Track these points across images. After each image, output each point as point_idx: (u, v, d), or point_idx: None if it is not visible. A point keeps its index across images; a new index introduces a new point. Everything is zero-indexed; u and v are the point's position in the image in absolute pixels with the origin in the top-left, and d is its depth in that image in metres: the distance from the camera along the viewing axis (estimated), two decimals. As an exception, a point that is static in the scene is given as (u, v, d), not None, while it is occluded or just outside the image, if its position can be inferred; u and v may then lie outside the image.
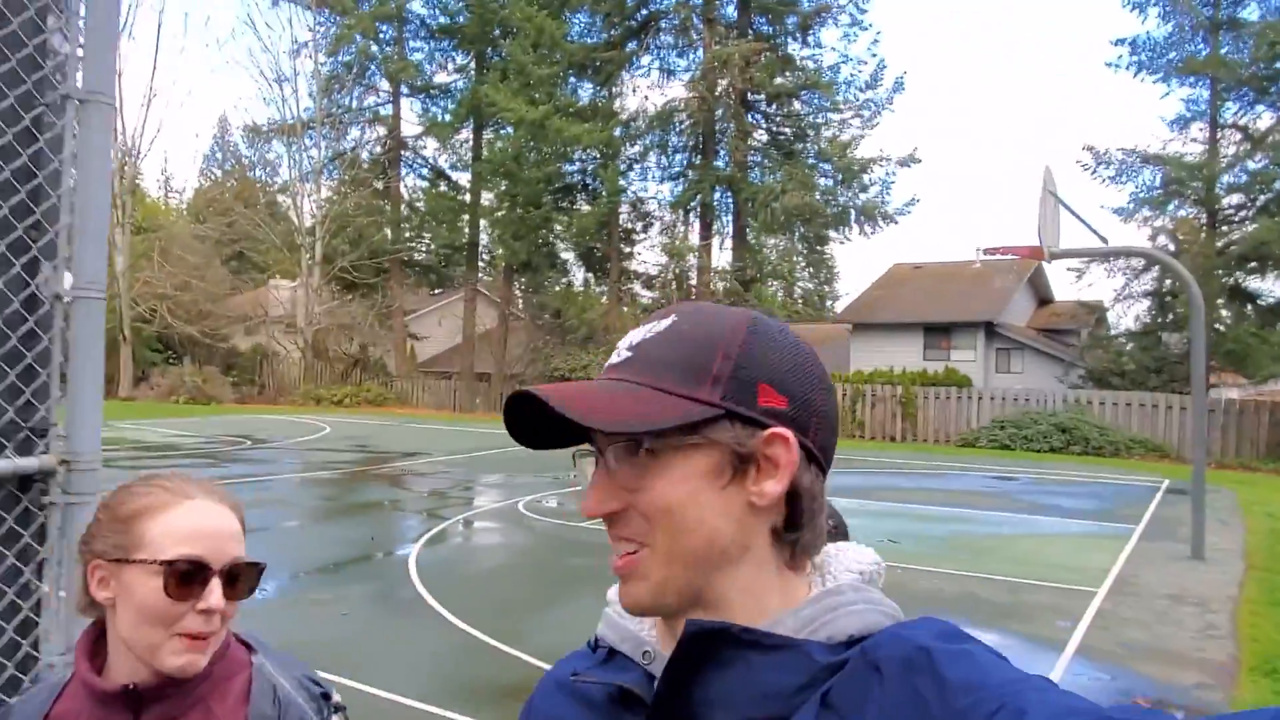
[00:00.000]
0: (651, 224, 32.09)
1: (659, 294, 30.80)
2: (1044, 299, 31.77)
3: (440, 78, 34.83)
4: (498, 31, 31.56)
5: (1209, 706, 5.02)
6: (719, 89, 27.42)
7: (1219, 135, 24.18)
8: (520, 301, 35.28)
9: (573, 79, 30.42)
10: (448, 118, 33.39)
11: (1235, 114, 24.09)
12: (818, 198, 26.59)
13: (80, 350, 2.01)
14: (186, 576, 1.06)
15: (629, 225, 31.81)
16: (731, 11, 29.03)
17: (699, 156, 29.39)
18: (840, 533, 2.15)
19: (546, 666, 0.78)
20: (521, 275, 33.19)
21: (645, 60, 30.66)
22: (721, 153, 28.72)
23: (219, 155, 57.42)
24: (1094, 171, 24.86)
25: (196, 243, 36.22)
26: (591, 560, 8.37)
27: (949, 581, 7.87)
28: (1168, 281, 22.83)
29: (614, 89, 30.47)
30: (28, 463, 1.91)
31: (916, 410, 23.64)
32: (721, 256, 29.95)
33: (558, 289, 32.46)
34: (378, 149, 35.74)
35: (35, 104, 1.95)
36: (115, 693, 1.06)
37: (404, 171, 36.06)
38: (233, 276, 39.76)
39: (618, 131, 28.84)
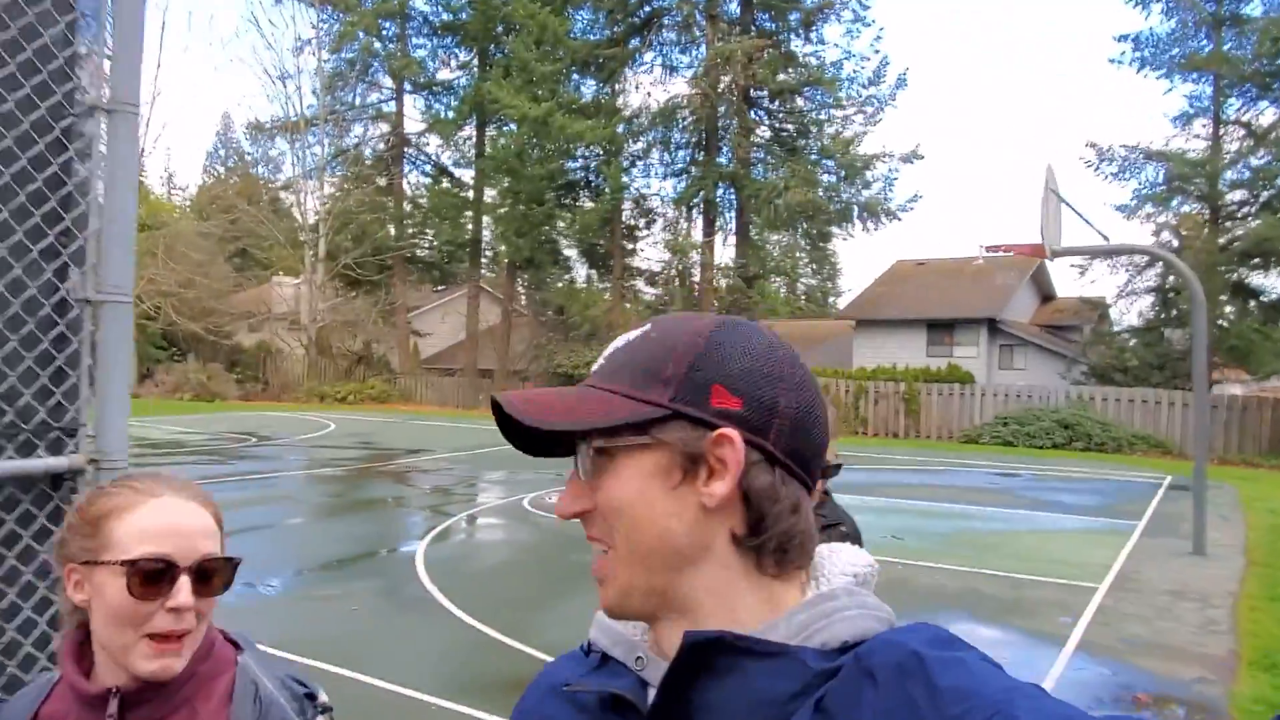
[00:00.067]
0: (654, 221, 32.16)
1: (662, 291, 30.86)
2: (1047, 295, 31.78)
3: (443, 74, 34.93)
4: (501, 28, 31.60)
5: (1209, 701, 5.08)
6: (722, 85, 27.43)
7: (1222, 131, 24.18)
8: (523, 298, 35.36)
9: (575, 76, 30.45)
10: (451, 114, 33.43)
11: (1238, 110, 24.11)
12: (820, 194, 26.61)
13: (108, 353, 2.06)
14: (152, 575, 1.05)
15: (632, 222, 31.86)
16: (734, 8, 29.04)
17: (702, 153, 29.42)
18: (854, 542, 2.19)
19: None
20: (524, 272, 33.27)
21: (648, 57, 30.69)
22: (724, 149, 28.75)
23: (222, 152, 57.55)
24: (1097, 168, 24.89)
25: (200, 240, 36.30)
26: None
27: (952, 577, 7.94)
28: (1170, 278, 22.84)
29: (617, 85, 30.50)
30: (58, 462, 1.97)
31: (919, 407, 23.68)
32: (724, 253, 30.04)
33: (560, 286, 32.53)
34: (381, 146, 35.80)
35: (65, 114, 2.01)
36: (99, 695, 1.06)
37: (407, 168, 36.16)
38: (236, 273, 39.84)
39: (620, 128, 28.85)
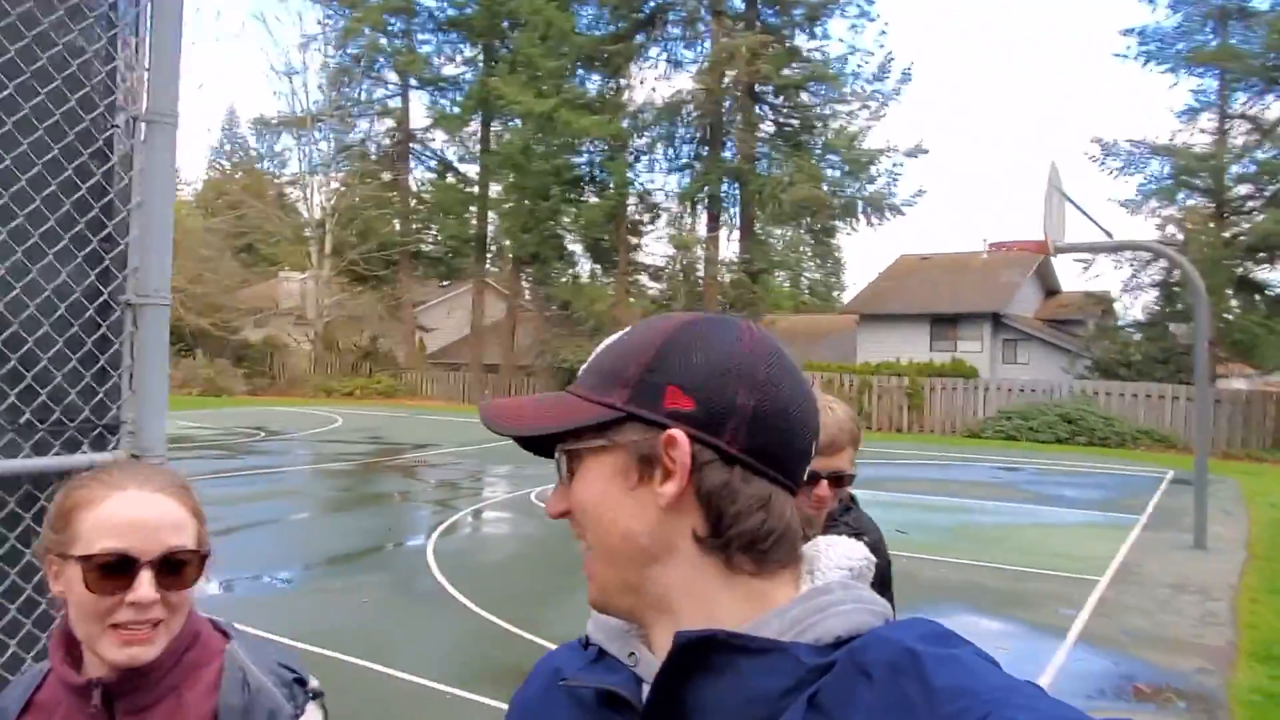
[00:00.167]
0: (659, 216, 32.17)
1: (666, 286, 30.92)
2: (1051, 290, 31.78)
3: (448, 70, 35.00)
4: (506, 24, 31.66)
5: (1207, 691, 5.17)
6: (726, 81, 27.45)
7: (1228, 126, 24.15)
8: (528, 293, 35.44)
9: (581, 71, 30.45)
10: (456, 110, 33.51)
11: (1244, 104, 24.05)
12: (825, 189, 26.64)
13: (147, 353, 2.16)
14: (110, 569, 1.04)
15: (637, 217, 31.89)
16: (739, 3, 29.01)
17: (706, 148, 29.44)
18: (883, 580, 2.09)
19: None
20: (529, 267, 33.34)
21: (653, 52, 30.69)
22: (729, 144, 28.77)
23: (227, 147, 57.65)
24: (1102, 163, 24.88)
25: (207, 235, 36.44)
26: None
27: (955, 571, 8.03)
28: (1175, 272, 22.84)
29: (622, 81, 30.52)
30: (102, 457, 2.07)
31: (923, 401, 23.75)
32: (729, 248, 30.05)
33: (565, 281, 32.59)
34: (386, 141, 35.90)
35: (108, 126, 2.10)
36: (85, 685, 1.08)
37: (412, 164, 36.26)
38: (242, 269, 40.00)
39: (625, 123, 28.89)
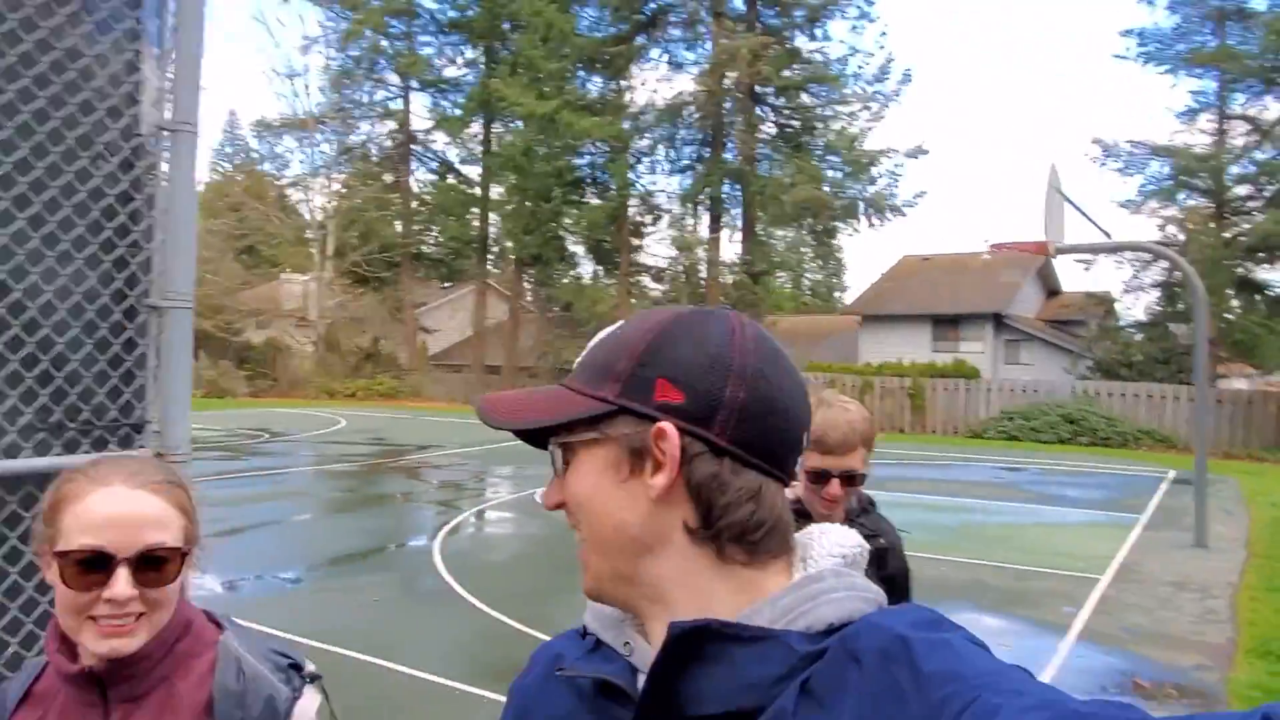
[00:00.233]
0: (660, 217, 32.24)
1: (668, 287, 30.99)
2: (1052, 290, 31.82)
3: (450, 72, 35.11)
4: (507, 25, 31.75)
5: (1207, 687, 5.23)
6: (727, 82, 27.52)
7: (1227, 126, 24.21)
8: (530, 295, 35.51)
9: (582, 72, 30.54)
10: (457, 112, 33.62)
11: (1244, 105, 24.13)
12: (826, 190, 26.71)
13: (172, 354, 2.22)
14: (86, 565, 1.05)
15: (638, 218, 31.96)
16: (739, 4, 29.10)
17: (708, 149, 29.52)
18: (897, 588, 2.14)
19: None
20: (531, 268, 33.41)
21: (654, 54, 30.81)
22: (730, 146, 28.85)
23: (229, 149, 57.74)
24: (1102, 164, 24.97)
25: (209, 237, 36.51)
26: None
27: (958, 569, 8.09)
28: (1175, 273, 22.88)
29: (623, 82, 30.61)
30: (128, 455, 2.13)
31: (925, 402, 23.79)
32: (730, 249, 30.15)
33: (567, 282, 32.65)
34: (388, 143, 35.98)
35: (134, 135, 2.17)
36: (79, 673, 1.09)
37: (414, 165, 36.38)
38: (244, 271, 40.06)
39: (627, 125, 28.97)
